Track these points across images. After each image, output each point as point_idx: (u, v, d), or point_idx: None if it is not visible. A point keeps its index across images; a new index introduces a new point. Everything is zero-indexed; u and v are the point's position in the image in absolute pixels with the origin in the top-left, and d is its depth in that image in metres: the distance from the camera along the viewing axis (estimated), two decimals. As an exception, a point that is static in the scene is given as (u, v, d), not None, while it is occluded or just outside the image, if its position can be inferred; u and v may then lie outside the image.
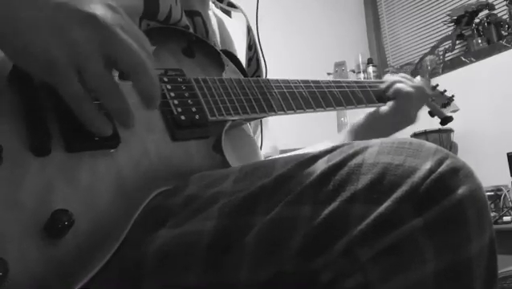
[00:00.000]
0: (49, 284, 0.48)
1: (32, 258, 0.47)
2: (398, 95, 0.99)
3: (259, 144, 0.93)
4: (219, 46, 0.86)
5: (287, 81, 0.82)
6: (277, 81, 0.81)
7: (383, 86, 1.02)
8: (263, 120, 1.02)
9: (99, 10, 0.52)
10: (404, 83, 1.01)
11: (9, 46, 0.50)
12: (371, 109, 1.02)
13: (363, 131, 1.01)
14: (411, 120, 1.02)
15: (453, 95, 1.12)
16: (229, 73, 0.79)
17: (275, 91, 0.79)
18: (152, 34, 0.71)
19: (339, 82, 0.90)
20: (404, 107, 0.99)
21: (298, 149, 1.01)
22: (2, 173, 0.48)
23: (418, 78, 1.10)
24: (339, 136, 1.07)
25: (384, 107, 1.00)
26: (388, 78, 1.04)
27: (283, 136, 1.09)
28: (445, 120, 1.07)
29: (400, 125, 1.02)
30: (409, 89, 0.99)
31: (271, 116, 0.78)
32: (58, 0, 0.51)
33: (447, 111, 1.10)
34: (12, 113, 0.52)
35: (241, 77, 0.79)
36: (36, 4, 0.50)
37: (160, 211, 0.55)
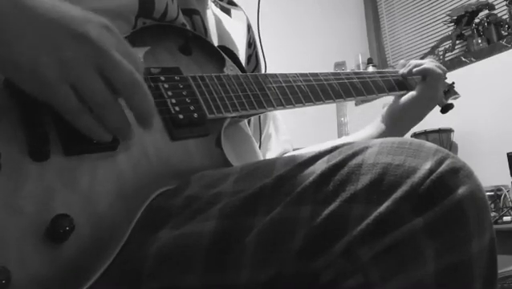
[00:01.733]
0: None
1: (34, 265, 0.47)
2: (428, 73, 0.99)
3: (258, 143, 0.93)
4: (216, 44, 0.86)
5: (286, 75, 0.81)
6: (275, 76, 0.80)
7: (407, 69, 1.01)
8: (271, 115, 1.01)
9: (92, 30, 0.51)
10: (426, 63, 1.01)
11: (1, 63, 0.49)
12: (393, 99, 1.02)
13: (398, 121, 1.01)
14: (438, 101, 1.02)
15: (453, 82, 1.12)
16: (229, 69, 0.78)
17: (273, 85, 0.78)
18: (148, 33, 0.71)
19: (338, 74, 0.89)
20: (434, 87, 0.99)
21: (298, 149, 1.01)
22: (1, 180, 0.48)
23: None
24: (367, 128, 1.05)
25: (412, 94, 0.99)
26: (403, 63, 1.04)
27: (283, 135, 1.09)
28: (446, 107, 1.07)
29: (431, 104, 1.02)
30: (437, 71, 1.00)
31: (270, 111, 0.77)
32: (51, 16, 0.50)
33: (448, 99, 1.09)
34: (9, 118, 0.52)
35: (239, 73, 0.78)
36: (28, 19, 0.49)
37: (160, 212, 0.55)
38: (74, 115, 0.52)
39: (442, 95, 1.05)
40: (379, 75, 0.98)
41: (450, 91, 1.10)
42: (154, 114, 0.55)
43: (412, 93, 0.99)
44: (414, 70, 1.00)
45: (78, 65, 0.50)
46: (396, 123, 1.01)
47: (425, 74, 0.99)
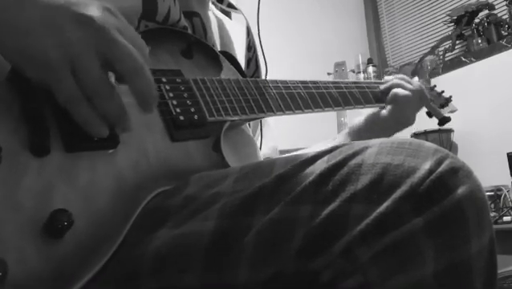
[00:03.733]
0: (49, 284, 0.47)
1: (32, 259, 0.47)
2: (395, 101, 1.00)
3: (259, 145, 0.93)
4: (218, 47, 0.86)
5: (286, 82, 0.82)
6: (275, 82, 0.81)
7: (381, 87, 1.03)
8: (263, 120, 1.02)
9: (95, 12, 0.52)
10: (401, 86, 1.01)
11: (3, 47, 0.50)
12: (372, 110, 1.02)
13: (363, 133, 1.02)
14: (409, 122, 1.02)
15: (450, 96, 1.13)
16: (227, 74, 0.79)
17: (274, 91, 0.79)
18: (150, 35, 0.71)
19: (337, 82, 0.91)
20: (402, 112, 1.00)
21: (298, 150, 1.01)
22: (1, 174, 0.48)
23: (416, 79, 1.10)
24: (338, 137, 1.07)
25: (383, 112, 1.01)
26: (387, 79, 1.05)
27: (283, 136, 1.09)
28: (443, 120, 1.08)
29: (399, 127, 1.03)
30: (406, 93, 1.00)
31: (270, 116, 0.78)
32: (55, 1, 0.51)
33: (445, 112, 1.10)
34: (11, 113, 0.52)
35: (240, 77, 0.79)
36: (31, 5, 0.50)
37: (159, 212, 0.55)
38: (72, 102, 0.52)
39: (411, 122, 1.03)
40: (377, 85, 1.00)
41: (448, 104, 1.11)
42: (156, 98, 0.55)
43: (379, 114, 1.00)
44: (388, 96, 1.01)
45: (78, 47, 0.50)
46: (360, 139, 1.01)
47: (392, 100, 1.00)
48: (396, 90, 1.00)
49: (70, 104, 0.52)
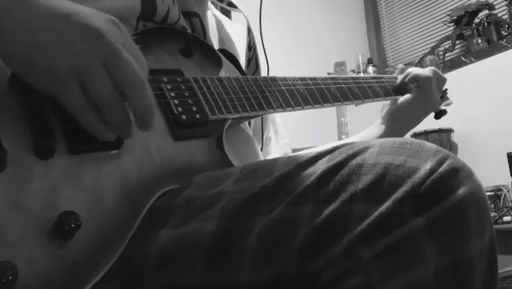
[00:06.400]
0: (58, 286, 0.48)
1: (41, 261, 0.47)
2: (419, 79, 1.02)
3: (260, 146, 0.94)
4: (216, 48, 0.86)
5: (285, 78, 0.82)
6: (275, 79, 0.81)
7: (400, 78, 1.05)
8: (270, 118, 1.02)
9: (104, 26, 0.52)
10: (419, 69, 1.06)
11: (11, 56, 0.50)
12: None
13: (392, 121, 1.04)
14: (435, 103, 1.05)
15: (446, 89, 1.13)
16: (226, 72, 0.79)
17: (273, 88, 0.79)
18: (149, 35, 0.71)
19: (335, 78, 0.91)
20: (428, 90, 1.02)
21: (301, 149, 1.02)
22: (7, 177, 0.48)
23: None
24: (370, 129, 1.08)
25: (407, 96, 1.02)
26: (404, 71, 1.08)
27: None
28: (440, 113, 1.09)
29: (426, 111, 1.05)
30: (427, 73, 1.03)
31: (270, 113, 0.78)
32: (64, 11, 0.51)
33: (441, 105, 1.10)
34: (15, 117, 0.52)
35: (240, 75, 0.79)
36: (41, 15, 0.50)
37: (161, 211, 0.56)
38: (81, 112, 0.52)
39: (438, 100, 1.06)
40: (375, 81, 1.01)
41: (443, 97, 1.12)
42: (153, 117, 0.55)
43: (408, 95, 1.03)
44: (407, 79, 1.04)
45: (87, 59, 0.50)
46: (396, 123, 1.03)
47: (416, 79, 1.03)
48: (416, 71, 1.03)
49: (77, 113, 0.52)
